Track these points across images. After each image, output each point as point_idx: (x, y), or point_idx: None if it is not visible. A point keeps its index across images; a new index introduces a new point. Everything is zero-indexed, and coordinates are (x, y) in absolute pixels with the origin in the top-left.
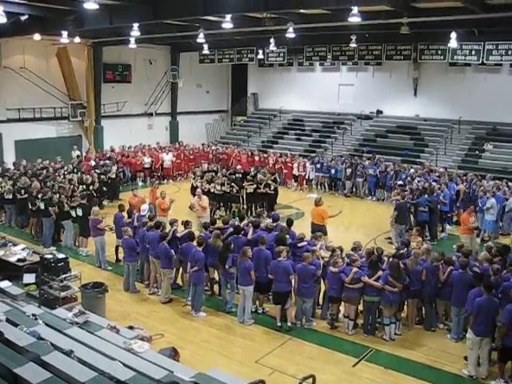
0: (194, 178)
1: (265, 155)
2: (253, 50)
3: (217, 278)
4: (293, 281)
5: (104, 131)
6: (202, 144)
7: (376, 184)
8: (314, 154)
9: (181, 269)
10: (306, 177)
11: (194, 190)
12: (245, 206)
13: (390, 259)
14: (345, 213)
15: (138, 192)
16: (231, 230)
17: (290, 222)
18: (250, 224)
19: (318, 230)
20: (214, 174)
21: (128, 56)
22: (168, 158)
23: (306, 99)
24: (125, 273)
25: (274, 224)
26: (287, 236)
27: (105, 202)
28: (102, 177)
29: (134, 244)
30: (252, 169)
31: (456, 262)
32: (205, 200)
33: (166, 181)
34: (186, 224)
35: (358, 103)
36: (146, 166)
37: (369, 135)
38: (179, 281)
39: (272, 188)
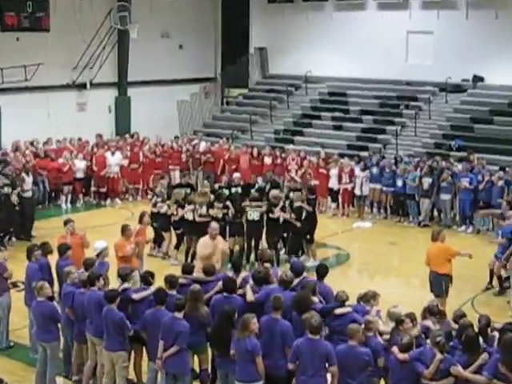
0: (152, 198)
1: (281, 155)
2: None
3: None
4: (329, 376)
5: (0, 115)
6: (175, 137)
7: (474, 203)
8: (365, 154)
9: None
10: (355, 192)
11: (155, 217)
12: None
13: (503, 334)
14: (419, 255)
15: (72, 226)
16: (219, 284)
17: (322, 272)
18: (252, 278)
19: (438, 283)
20: (189, 190)
21: None
22: (114, 162)
23: (351, 58)
24: (38, 361)
25: (295, 279)
26: (315, 297)
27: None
28: (3, 197)
29: (54, 310)
30: (259, 180)
31: None
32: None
33: (108, 201)
34: (147, 277)
35: (441, 65)
36: (78, 175)
37: (460, 119)
38: (132, 374)
39: (301, 214)
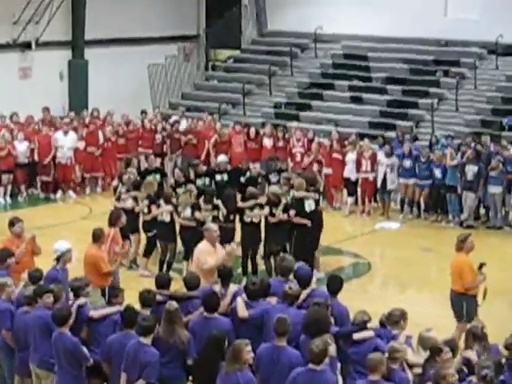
0: (115, 190)
1: (283, 136)
2: None
3: None
4: None
5: None
6: (142, 112)
7: None
8: (392, 134)
9: None
10: (377, 184)
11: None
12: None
13: None
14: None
15: (21, 227)
16: (198, 302)
17: (334, 286)
18: (244, 291)
19: (458, 304)
20: (158, 176)
21: None
22: (67, 145)
23: (374, 11)
24: None
25: (304, 292)
26: (330, 317)
27: None
28: None
29: None
30: (254, 166)
31: None
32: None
33: (59, 194)
34: (113, 294)
35: (490, 20)
36: (20, 160)
37: None
38: None
39: (308, 210)
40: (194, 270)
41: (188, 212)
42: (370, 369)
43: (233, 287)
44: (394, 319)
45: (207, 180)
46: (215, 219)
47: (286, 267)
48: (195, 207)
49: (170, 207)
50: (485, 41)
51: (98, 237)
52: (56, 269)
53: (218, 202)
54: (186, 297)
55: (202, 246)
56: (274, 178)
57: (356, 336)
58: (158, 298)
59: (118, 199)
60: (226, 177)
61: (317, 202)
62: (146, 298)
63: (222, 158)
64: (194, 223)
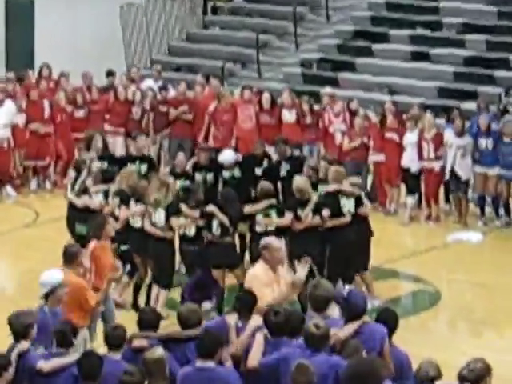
0: (74, 184)
1: (314, 107)
2: None
3: None
4: None
5: None
6: (108, 74)
7: None
8: (472, 106)
9: None
10: (445, 175)
11: (80, 216)
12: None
13: None
14: None
15: None
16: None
17: (387, 324)
18: (265, 324)
19: None
20: (145, 167)
21: None
22: (1, 120)
23: None
24: None
25: (348, 327)
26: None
27: None
28: None
29: None
30: (271, 151)
31: None
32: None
33: None
34: (65, 333)
35: None
36: None
37: None
38: None
39: (346, 213)
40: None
41: (160, 217)
42: None
43: (256, 320)
44: (476, 375)
45: (210, 176)
46: (201, 231)
47: (322, 297)
48: (172, 210)
49: (141, 207)
50: None
51: (72, 256)
52: (44, 311)
53: (211, 207)
54: (183, 338)
55: (258, 272)
56: (282, 168)
57: None
58: (141, 342)
59: (82, 193)
60: (237, 172)
61: (359, 202)
62: (113, 336)
63: (227, 155)
64: (167, 233)
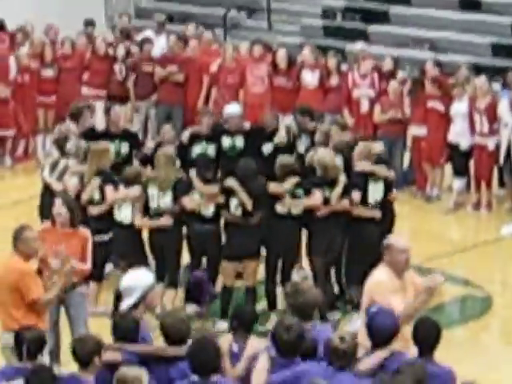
0: (52, 165)
1: (339, 66)
2: None
3: None
4: None
5: None
6: (87, 23)
7: None
8: None
9: None
10: (500, 152)
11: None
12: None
13: None
14: None
15: None
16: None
17: (427, 338)
18: (272, 340)
19: None
20: (127, 146)
21: None
22: None
23: None
24: None
25: (377, 355)
26: None
27: None
28: None
29: None
30: (287, 124)
31: None
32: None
33: None
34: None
35: None
36: None
37: None
38: None
39: (373, 201)
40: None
41: (166, 198)
42: None
43: (255, 343)
44: None
45: (211, 148)
46: (220, 210)
47: (306, 304)
48: (182, 188)
49: (135, 190)
50: None
51: (20, 238)
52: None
53: (231, 181)
54: (169, 356)
55: (382, 277)
56: (301, 143)
57: None
58: (114, 356)
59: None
60: (240, 142)
61: (388, 187)
62: (79, 349)
63: (232, 108)
64: (168, 220)
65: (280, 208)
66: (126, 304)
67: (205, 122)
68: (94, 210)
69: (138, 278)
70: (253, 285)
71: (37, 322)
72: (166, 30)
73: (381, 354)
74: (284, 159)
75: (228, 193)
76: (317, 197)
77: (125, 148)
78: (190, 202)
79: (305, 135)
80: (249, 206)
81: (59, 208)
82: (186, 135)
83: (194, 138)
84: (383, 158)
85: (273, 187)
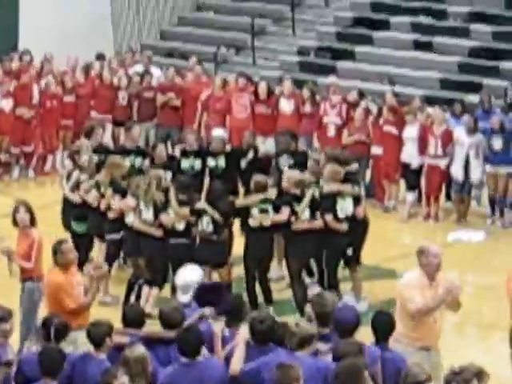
0: (69, 177)
1: (313, 96)
2: None
3: None
4: None
5: None
6: (98, 57)
7: None
8: (475, 99)
9: None
10: (453, 173)
11: (76, 211)
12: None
13: None
14: None
15: None
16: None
17: (383, 327)
18: (250, 330)
19: None
20: (140, 159)
21: None
22: None
23: None
24: None
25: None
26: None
27: None
28: None
29: None
30: (264, 143)
31: None
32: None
33: None
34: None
35: None
36: None
37: None
38: None
39: (342, 216)
40: (397, 312)
41: (149, 213)
42: None
43: (244, 330)
44: (467, 378)
45: (197, 163)
46: (189, 227)
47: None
48: (161, 207)
49: (131, 202)
50: None
51: (54, 256)
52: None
53: (202, 204)
54: (165, 339)
55: (412, 275)
56: (284, 162)
57: None
58: (122, 339)
59: (76, 187)
60: (222, 162)
61: (356, 201)
62: (96, 334)
63: (217, 132)
64: (157, 232)
65: (252, 221)
66: (183, 299)
67: (190, 139)
68: (110, 214)
69: (192, 276)
70: (229, 282)
71: (82, 323)
72: (153, 64)
73: None
74: (257, 177)
75: (199, 213)
76: (284, 214)
77: (138, 161)
78: (166, 218)
79: (287, 155)
80: (221, 222)
81: (22, 214)
82: (177, 151)
83: (183, 154)
84: (353, 176)
85: (239, 201)
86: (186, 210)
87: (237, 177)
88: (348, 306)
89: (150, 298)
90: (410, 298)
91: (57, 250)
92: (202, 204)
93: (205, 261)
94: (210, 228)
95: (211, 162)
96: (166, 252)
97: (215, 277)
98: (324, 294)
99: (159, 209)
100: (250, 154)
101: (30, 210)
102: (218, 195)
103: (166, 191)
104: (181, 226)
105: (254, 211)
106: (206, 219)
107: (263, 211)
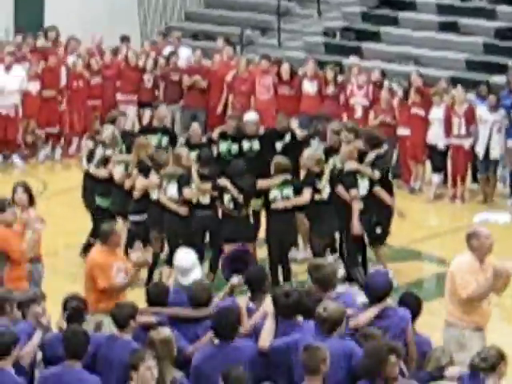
0: (88, 156)
1: (337, 78)
2: None
3: None
4: None
5: None
6: (122, 39)
7: None
8: (500, 79)
9: None
10: (477, 151)
11: (101, 188)
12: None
13: None
14: None
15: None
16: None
17: (410, 308)
18: (274, 305)
19: None
20: (165, 140)
21: None
22: (10, 86)
23: None
24: None
25: (370, 310)
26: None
27: None
28: None
29: None
30: (293, 123)
31: None
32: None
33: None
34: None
35: None
36: None
37: None
38: None
39: (356, 185)
40: (447, 300)
41: (173, 189)
42: None
43: (269, 301)
44: (490, 362)
45: (234, 147)
46: (215, 201)
47: (327, 275)
48: (184, 181)
49: (155, 179)
50: None
51: (107, 236)
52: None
53: (223, 181)
54: (193, 318)
55: (463, 259)
56: (313, 144)
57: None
58: (149, 319)
59: (104, 163)
60: (256, 145)
61: (372, 185)
62: (118, 314)
63: (250, 115)
64: (182, 209)
65: (273, 205)
66: (184, 281)
67: (231, 124)
68: (135, 194)
69: (188, 257)
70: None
71: (107, 306)
72: (185, 45)
73: (371, 311)
74: (278, 158)
75: (221, 189)
76: (305, 197)
77: (165, 141)
78: (189, 192)
79: (315, 139)
80: (240, 200)
81: (20, 194)
82: (216, 133)
83: (221, 137)
84: (382, 159)
85: (260, 183)
86: (207, 185)
87: (270, 159)
88: (380, 271)
89: (170, 278)
90: (462, 283)
91: (107, 230)
92: (223, 181)
93: (231, 238)
94: (231, 205)
95: (245, 145)
96: (188, 230)
97: None
98: (322, 259)
99: (182, 184)
100: (287, 138)
101: (27, 191)
102: (238, 173)
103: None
104: (206, 200)
105: (274, 193)
106: (227, 196)
107: (283, 192)
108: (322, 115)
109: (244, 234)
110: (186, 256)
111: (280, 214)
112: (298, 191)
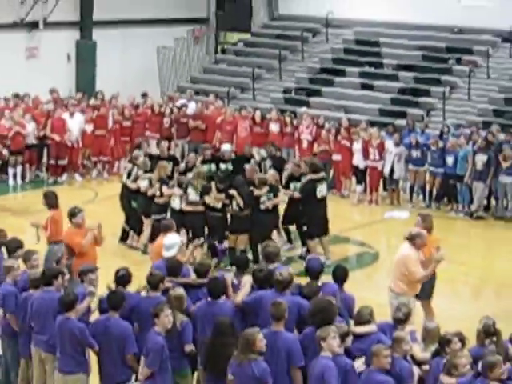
0: (128, 174)
1: (292, 121)
2: None
3: None
4: None
5: None
6: (142, 95)
7: None
8: (402, 122)
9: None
10: (385, 172)
11: (133, 195)
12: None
13: None
14: (471, 256)
15: (83, 218)
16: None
17: (340, 275)
18: (252, 277)
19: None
20: (174, 167)
21: None
22: (74, 126)
23: None
24: None
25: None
26: (335, 307)
27: None
28: None
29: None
30: (255, 152)
31: None
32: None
33: (65, 177)
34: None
35: (505, 6)
36: (29, 141)
37: None
38: None
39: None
40: (397, 277)
41: (197, 196)
42: (372, 362)
43: (247, 277)
44: (405, 313)
45: (213, 166)
46: (225, 206)
47: (273, 252)
48: (205, 190)
49: (180, 191)
50: (499, 29)
51: (168, 227)
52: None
53: (232, 191)
54: (197, 284)
55: (411, 252)
56: (268, 164)
57: (357, 329)
58: (167, 284)
59: (134, 179)
60: (230, 166)
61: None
62: (151, 279)
63: (226, 146)
64: (201, 208)
65: (262, 206)
66: (169, 254)
67: (207, 152)
68: (159, 200)
69: (175, 240)
70: (244, 248)
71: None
72: (193, 99)
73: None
74: (260, 175)
75: (230, 197)
76: (280, 197)
77: (170, 165)
78: (209, 199)
79: (269, 159)
80: (241, 204)
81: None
82: (199, 160)
83: (203, 161)
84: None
85: (256, 192)
86: (222, 196)
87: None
88: (315, 256)
89: (194, 251)
90: (415, 270)
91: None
92: (232, 191)
93: (235, 230)
94: (237, 208)
95: (222, 166)
96: (205, 222)
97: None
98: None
99: (203, 192)
100: (252, 160)
101: (50, 197)
102: (240, 185)
103: (208, 179)
104: (218, 205)
105: (263, 198)
106: (234, 202)
107: (268, 198)
108: (274, 145)
109: (244, 227)
110: (170, 238)
111: (265, 213)
112: (275, 195)
